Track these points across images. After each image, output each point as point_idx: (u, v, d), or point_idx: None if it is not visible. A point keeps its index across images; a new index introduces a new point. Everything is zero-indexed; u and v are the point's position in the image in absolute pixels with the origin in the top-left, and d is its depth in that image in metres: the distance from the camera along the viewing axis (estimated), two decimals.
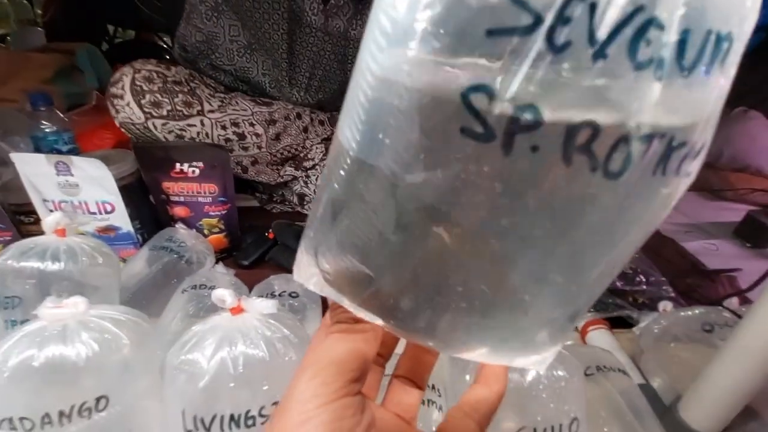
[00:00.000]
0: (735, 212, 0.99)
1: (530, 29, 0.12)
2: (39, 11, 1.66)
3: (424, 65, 0.13)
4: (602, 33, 0.12)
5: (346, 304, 0.18)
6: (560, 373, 0.32)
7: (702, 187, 1.12)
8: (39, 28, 1.59)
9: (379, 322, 0.18)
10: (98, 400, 0.31)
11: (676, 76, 0.13)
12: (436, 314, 0.17)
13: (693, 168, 0.15)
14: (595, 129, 0.12)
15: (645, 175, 0.14)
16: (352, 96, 0.16)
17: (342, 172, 0.16)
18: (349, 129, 0.16)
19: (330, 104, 0.97)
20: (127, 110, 0.72)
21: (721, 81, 0.14)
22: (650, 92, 0.12)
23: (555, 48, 0.12)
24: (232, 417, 0.28)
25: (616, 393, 0.46)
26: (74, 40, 1.24)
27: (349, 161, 0.16)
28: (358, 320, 0.19)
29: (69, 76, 1.04)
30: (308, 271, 0.19)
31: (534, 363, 0.19)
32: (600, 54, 0.12)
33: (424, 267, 0.16)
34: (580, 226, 0.15)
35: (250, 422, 0.28)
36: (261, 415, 0.29)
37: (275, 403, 0.29)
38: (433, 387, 0.45)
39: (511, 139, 0.12)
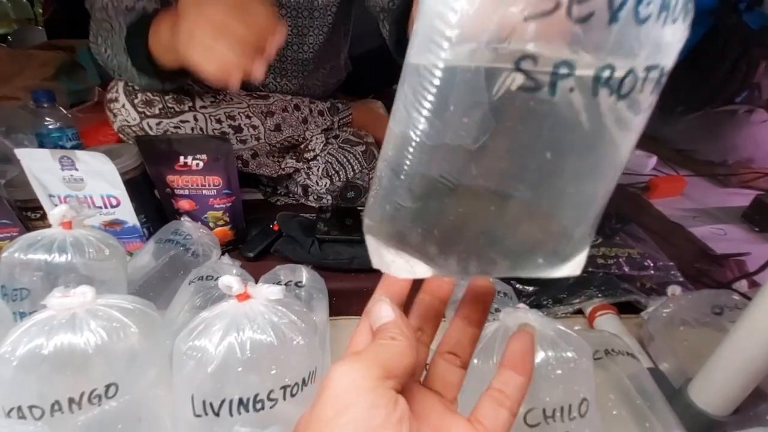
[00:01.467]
0: (743, 197, 0.99)
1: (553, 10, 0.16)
2: (39, 10, 1.66)
3: (487, 51, 0.17)
4: (616, 3, 0.16)
5: (419, 270, 0.22)
6: (569, 354, 0.32)
7: (708, 173, 1.11)
8: (39, 27, 1.60)
9: (446, 273, 0.22)
10: (108, 387, 0.31)
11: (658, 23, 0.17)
12: (486, 249, 0.21)
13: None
14: (612, 69, 0.17)
15: (645, 95, 0.18)
16: (407, 89, 0.20)
17: (410, 156, 0.20)
18: (412, 118, 0.19)
19: (317, 88, 0.94)
20: (123, 112, 0.72)
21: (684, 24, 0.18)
22: (651, 37, 0.17)
23: (578, 19, 0.16)
24: (240, 401, 0.28)
25: (624, 376, 0.46)
26: (75, 37, 1.24)
27: (414, 146, 0.20)
28: (394, 338, 0.21)
29: (71, 72, 1.04)
30: (380, 253, 0.23)
31: (570, 269, 0.23)
32: (614, 18, 0.16)
33: (452, 208, 0.21)
34: (604, 141, 0.19)
35: (258, 405, 0.28)
36: (269, 399, 0.29)
37: (283, 387, 0.29)
38: None
39: (554, 86, 0.17)
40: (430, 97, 0.19)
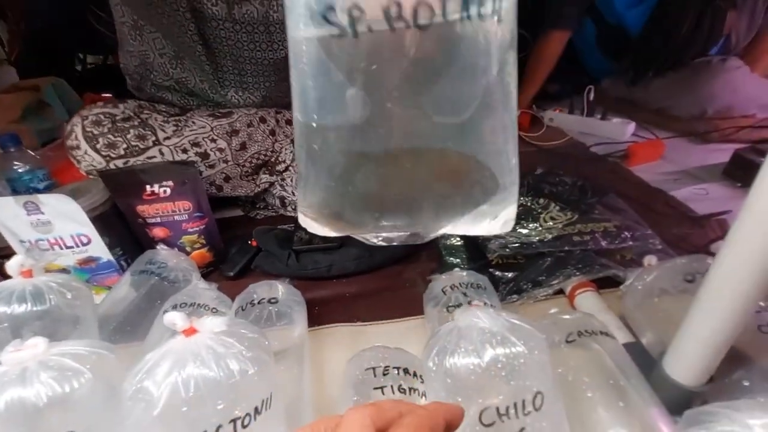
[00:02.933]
0: (723, 153, 0.97)
1: None
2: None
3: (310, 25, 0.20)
4: None
5: (328, 232, 0.25)
6: (518, 349, 0.32)
7: (688, 131, 1.10)
8: (11, 67, 1.59)
9: (365, 236, 0.25)
10: None
11: None
12: (401, 208, 0.23)
13: (492, 7, 0.21)
14: (398, 4, 0.19)
15: (457, 21, 0.20)
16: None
17: (297, 132, 0.24)
18: (295, 93, 0.24)
19: (281, 99, 0.94)
20: (87, 158, 0.72)
21: None
22: None
23: None
24: None
25: (601, 355, 0.46)
26: (44, 73, 1.25)
27: (298, 124, 0.23)
28: None
29: (38, 112, 1.05)
30: (306, 219, 0.26)
31: (495, 226, 0.25)
32: None
33: (372, 175, 0.22)
34: (435, 70, 0.20)
35: None
36: None
37: (233, 420, 0.29)
38: (415, 374, 0.45)
39: (354, 28, 0.20)
40: (302, 69, 0.22)
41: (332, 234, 0.25)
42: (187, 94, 0.88)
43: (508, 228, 0.25)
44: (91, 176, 0.76)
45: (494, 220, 0.25)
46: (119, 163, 0.73)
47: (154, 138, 0.75)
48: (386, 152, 0.21)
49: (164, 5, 0.74)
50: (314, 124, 0.22)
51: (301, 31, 0.20)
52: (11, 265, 0.44)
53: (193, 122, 0.80)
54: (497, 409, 0.30)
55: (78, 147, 0.72)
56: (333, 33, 0.19)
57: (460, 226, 0.25)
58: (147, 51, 0.81)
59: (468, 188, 0.24)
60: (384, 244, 0.25)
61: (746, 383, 0.43)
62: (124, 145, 0.73)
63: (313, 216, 0.25)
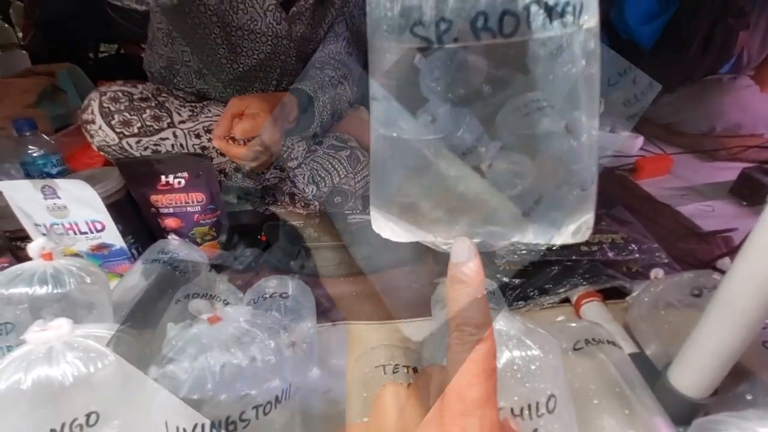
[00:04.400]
0: (730, 171, 0.98)
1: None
2: (20, 34, 1.66)
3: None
4: None
5: (414, 236, 0.24)
6: (534, 352, 0.32)
7: (695, 148, 1.11)
8: (23, 51, 1.60)
9: (440, 239, 0.23)
10: (88, 416, 0.32)
11: None
12: (475, 206, 0.22)
13: (575, 19, 0.20)
14: (485, 15, 0.19)
15: (541, 29, 0.19)
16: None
17: (376, 145, 0.23)
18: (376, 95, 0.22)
19: None
20: (101, 133, 0.73)
21: None
22: None
23: None
24: (213, 425, 0.29)
25: (606, 364, 0.46)
26: (58, 59, 1.25)
27: (376, 136, 0.22)
28: None
29: (52, 97, 1.05)
30: (383, 224, 0.25)
31: (571, 234, 0.23)
32: None
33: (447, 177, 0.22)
34: (519, 78, 0.20)
35: (231, 427, 0.29)
36: (242, 420, 0.29)
37: (255, 407, 0.30)
38: None
39: (441, 38, 0.19)
40: (384, 81, 0.21)
41: (403, 239, 0.25)
42: (207, 100, 0.90)
43: (584, 237, 0.24)
44: (102, 152, 0.76)
45: (568, 227, 0.24)
46: (132, 141, 0.74)
47: (169, 120, 0.76)
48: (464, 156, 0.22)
49: (196, 25, 0.76)
50: (394, 134, 0.22)
51: (386, 44, 0.21)
52: (32, 248, 0.44)
53: (209, 110, 0.81)
54: (511, 410, 0.31)
55: (93, 121, 0.73)
56: (419, 45, 0.20)
57: (533, 231, 0.24)
58: (175, 59, 0.83)
59: (545, 188, 0.23)
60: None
61: (749, 397, 0.44)
62: (139, 124, 0.74)
63: (385, 214, 0.25)
